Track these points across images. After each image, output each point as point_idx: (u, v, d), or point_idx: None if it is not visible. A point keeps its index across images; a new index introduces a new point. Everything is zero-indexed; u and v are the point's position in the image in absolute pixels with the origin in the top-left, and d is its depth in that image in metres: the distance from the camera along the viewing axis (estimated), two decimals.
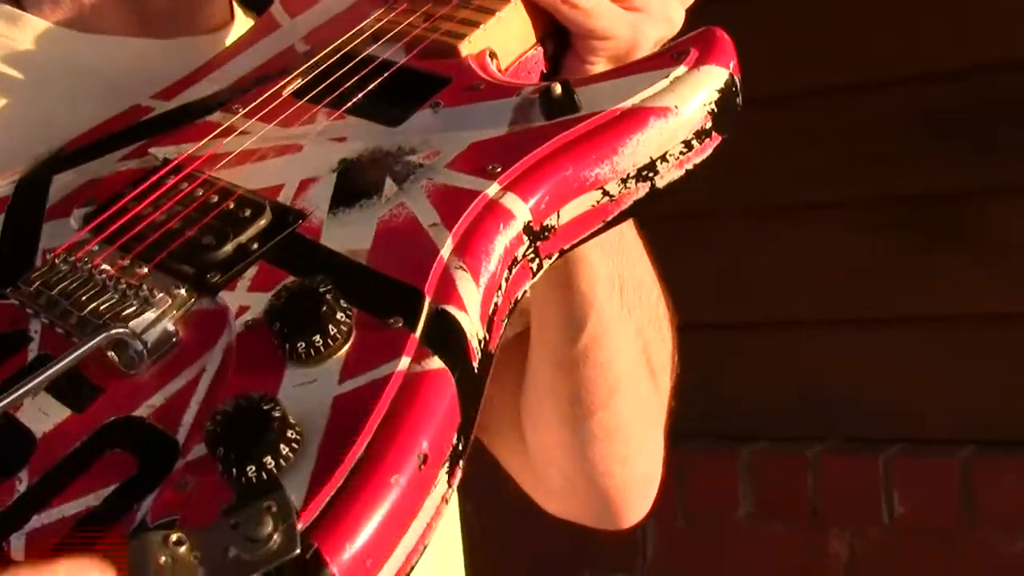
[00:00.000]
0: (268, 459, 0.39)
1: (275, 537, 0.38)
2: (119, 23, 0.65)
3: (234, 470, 0.39)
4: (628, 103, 0.50)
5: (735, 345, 1.78)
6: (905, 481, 1.63)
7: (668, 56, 0.52)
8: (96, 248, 0.51)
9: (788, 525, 1.71)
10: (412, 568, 0.41)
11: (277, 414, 0.40)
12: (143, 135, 0.58)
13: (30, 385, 0.45)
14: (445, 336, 0.43)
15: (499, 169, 0.49)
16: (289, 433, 0.40)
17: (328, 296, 0.43)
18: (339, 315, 0.43)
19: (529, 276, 0.50)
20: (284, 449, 0.40)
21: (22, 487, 0.44)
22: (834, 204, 1.68)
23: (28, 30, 0.64)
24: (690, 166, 0.52)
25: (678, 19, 0.60)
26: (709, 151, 0.52)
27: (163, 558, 0.38)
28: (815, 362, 1.72)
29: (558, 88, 0.51)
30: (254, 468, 0.39)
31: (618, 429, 0.69)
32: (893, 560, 1.63)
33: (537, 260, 0.50)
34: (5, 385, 0.47)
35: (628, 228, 0.66)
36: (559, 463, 0.71)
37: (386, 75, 0.56)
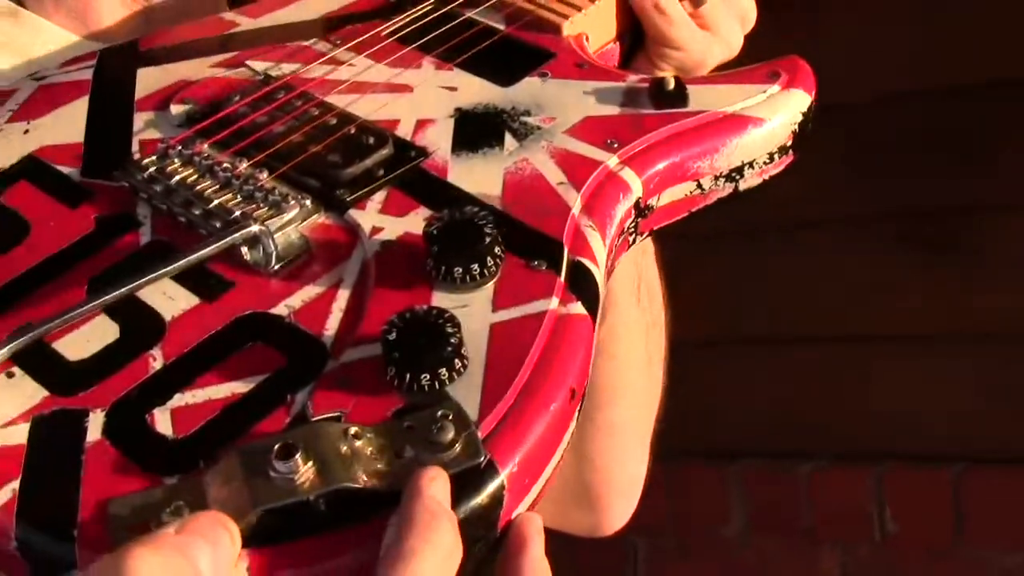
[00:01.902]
0: (443, 371, 0.41)
1: (457, 444, 0.40)
2: (122, 29, 0.63)
3: (408, 375, 0.41)
4: (732, 108, 0.55)
5: (728, 361, 1.77)
6: (897, 497, 1.64)
7: (763, 74, 0.57)
8: (208, 148, 0.51)
9: (780, 541, 1.71)
10: (541, 500, 0.44)
11: (457, 330, 0.42)
12: (232, 47, 0.58)
13: (171, 267, 0.46)
14: (583, 285, 0.46)
15: (616, 144, 0.52)
16: (463, 350, 0.42)
17: (491, 229, 0.45)
18: (497, 249, 0.45)
19: (626, 248, 0.53)
20: (458, 364, 0.42)
21: (157, 364, 0.44)
22: (825, 221, 1.69)
23: (28, 27, 0.61)
24: (766, 176, 0.57)
25: (738, 46, 0.65)
26: (782, 167, 0.57)
27: (344, 448, 0.39)
28: (807, 378, 1.73)
29: (671, 82, 0.55)
30: (428, 377, 0.41)
31: (621, 427, 0.72)
32: None
33: (634, 235, 0.53)
34: (121, 267, 0.47)
35: None
36: None
37: (490, 40, 0.58)
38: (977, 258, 1.63)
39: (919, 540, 1.65)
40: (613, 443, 0.73)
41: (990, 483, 1.62)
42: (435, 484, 0.38)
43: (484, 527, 0.40)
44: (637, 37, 0.64)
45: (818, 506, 1.71)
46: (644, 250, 0.70)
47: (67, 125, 0.54)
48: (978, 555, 1.61)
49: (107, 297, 0.44)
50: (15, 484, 0.40)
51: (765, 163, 0.56)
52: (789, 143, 0.56)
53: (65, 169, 0.52)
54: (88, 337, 0.44)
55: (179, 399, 0.42)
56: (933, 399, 1.66)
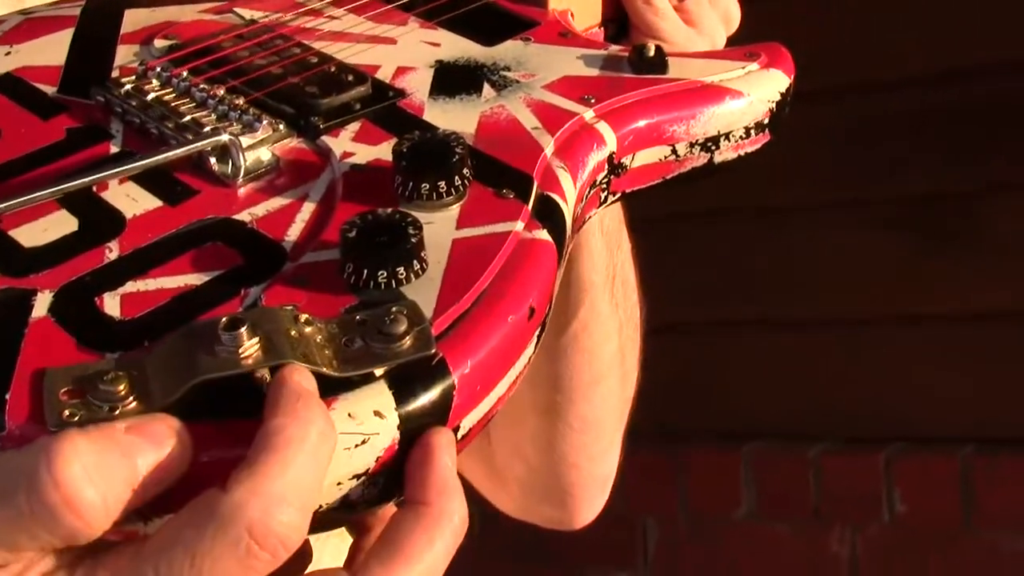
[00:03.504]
0: (401, 270, 0.41)
1: (408, 336, 0.39)
2: None
3: (365, 272, 0.41)
4: (710, 79, 0.55)
5: (738, 343, 1.77)
6: (906, 479, 1.64)
7: (742, 53, 0.58)
8: (187, 73, 0.52)
9: (790, 524, 1.71)
10: (492, 419, 0.43)
11: (417, 230, 0.41)
12: None
13: (136, 164, 0.45)
14: (550, 215, 0.46)
15: (594, 101, 0.52)
16: (422, 253, 0.41)
17: (461, 149, 0.45)
18: (465, 170, 0.45)
19: (596, 204, 0.53)
20: (416, 265, 0.41)
21: (112, 255, 0.43)
22: (836, 204, 1.70)
23: None
24: (742, 152, 0.57)
25: (720, 45, 0.66)
26: (758, 146, 0.57)
27: (292, 331, 0.38)
28: (817, 361, 1.73)
29: (652, 49, 0.55)
30: (385, 275, 0.41)
31: (594, 422, 0.72)
32: (895, 558, 1.64)
33: (606, 192, 0.53)
34: (85, 168, 0.47)
35: (624, 228, 0.71)
36: (526, 454, 0.73)
37: (474, 5, 0.59)
38: (987, 239, 1.63)
39: (928, 522, 1.64)
40: (585, 439, 0.73)
41: (998, 465, 1.61)
42: (298, 373, 0.37)
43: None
44: (621, 28, 0.65)
45: (828, 488, 1.71)
46: (619, 246, 0.70)
47: (50, 50, 0.54)
48: (987, 536, 1.60)
49: (66, 185, 0.44)
50: None
51: (741, 137, 0.56)
52: (766, 121, 0.57)
53: (42, 86, 0.52)
54: (45, 227, 0.44)
55: (131, 286, 0.42)
56: (942, 381, 1.65)
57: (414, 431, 0.39)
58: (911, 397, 1.69)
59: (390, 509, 0.41)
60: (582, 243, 0.68)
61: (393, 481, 0.39)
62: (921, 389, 1.68)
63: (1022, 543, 1.60)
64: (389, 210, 0.42)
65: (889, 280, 1.71)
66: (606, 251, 0.69)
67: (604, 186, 0.53)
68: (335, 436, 0.37)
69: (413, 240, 0.41)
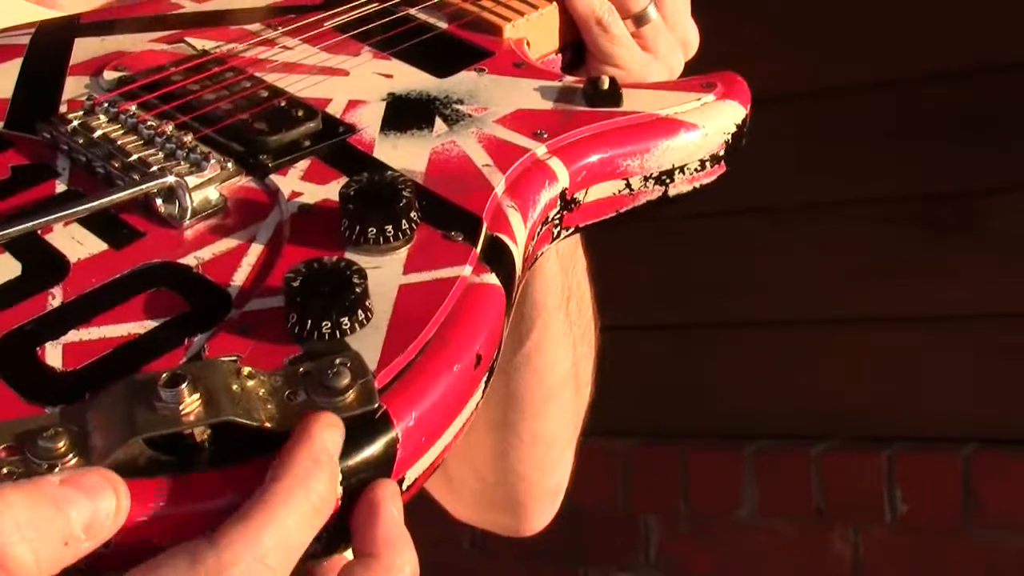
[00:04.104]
0: (345, 320, 0.41)
1: (351, 391, 0.39)
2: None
3: (309, 322, 0.40)
4: (665, 112, 0.55)
5: (739, 343, 1.77)
6: (908, 479, 1.65)
7: (698, 84, 0.57)
8: (135, 108, 0.51)
9: (792, 523, 1.72)
10: (438, 467, 0.43)
11: (362, 280, 0.41)
12: (174, 25, 0.59)
13: (80, 208, 0.45)
14: (499, 258, 0.46)
15: (546, 136, 0.52)
16: (367, 302, 0.41)
17: (408, 192, 0.45)
18: (413, 213, 0.45)
19: (549, 240, 0.53)
20: (361, 315, 0.41)
21: (55, 302, 0.43)
22: (837, 202, 1.70)
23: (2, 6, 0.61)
24: (697, 185, 0.57)
25: (678, 70, 0.66)
26: (713, 178, 0.57)
27: (234, 385, 0.38)
28: (819, 360, 1.74)
29: (606, 82, 0.55)
30: (329, 325, 0.40)
31: (545, 436, 0.72)
32: (897, 558, 1.65)
33: (559, 228, 0.53)
34: (29, 210, 0.46)
35: (579, 246, 0.71)
36: (478, 466, 0.74)
37: (429, 35, 0.59)
38: (988, 238, 1.64)
39: (930, 521, 1.65)
40: (536, 452, 0.73)
41: (1000, 464, 1.62)
42: (328, 432, 0.37)
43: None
44: (578, 53, 0.65)
45: (830, 488, 1.72)
46: (574, 266, 0.70)
47: None
48: (988, 535, 1.61)
49: (9, 230, 0.43)
50: None
51: (696, 170, 0.56)
52: (721, 153, 0.57)
53: None
54: None
55: (73, 335, 0.41)
56: (944, 380, 1.66)
57: (356, 486, 0.38)
58: (913, 397, 1.70)
59: (339, 558, 0.41)
60: (536, 266, 0.68)
61: (337, 536, 0.39)
62: (923, 389, 1.70)
63: (1023, 543, 1.60)
64: (334, 258, 0.42)
65: (892, 279, 1.71)
66: (560, 273, 0.69)
67: (556, 222, 0.53)
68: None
69: (358, 290, 0.41)
